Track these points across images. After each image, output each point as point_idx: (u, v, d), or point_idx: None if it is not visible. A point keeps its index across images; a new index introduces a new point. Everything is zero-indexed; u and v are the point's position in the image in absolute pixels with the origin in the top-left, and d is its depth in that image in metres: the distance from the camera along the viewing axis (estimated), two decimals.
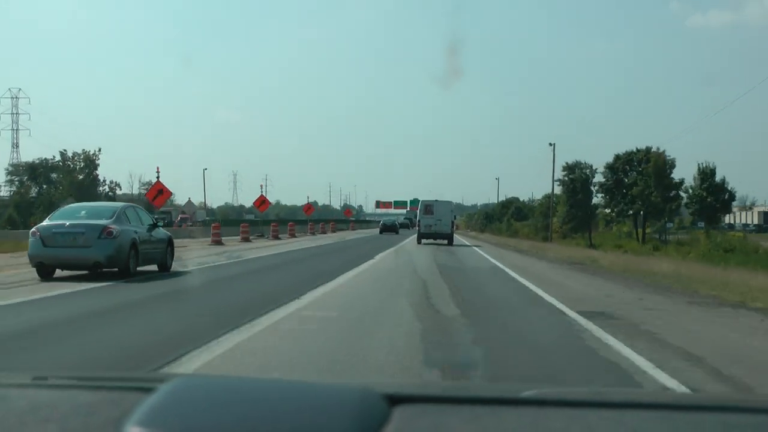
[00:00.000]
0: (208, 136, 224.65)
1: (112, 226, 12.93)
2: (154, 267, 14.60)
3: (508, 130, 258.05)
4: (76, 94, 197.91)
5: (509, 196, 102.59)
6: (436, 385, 3.16)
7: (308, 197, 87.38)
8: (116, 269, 13.08)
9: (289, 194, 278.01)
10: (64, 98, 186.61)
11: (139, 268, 13.72)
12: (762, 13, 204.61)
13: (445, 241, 34.45)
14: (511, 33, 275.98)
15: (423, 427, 1.03)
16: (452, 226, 36.04)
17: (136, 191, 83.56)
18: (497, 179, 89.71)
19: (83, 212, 13.53)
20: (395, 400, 1.08)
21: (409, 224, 76.27)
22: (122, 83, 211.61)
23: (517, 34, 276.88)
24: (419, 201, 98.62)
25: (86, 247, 12.61)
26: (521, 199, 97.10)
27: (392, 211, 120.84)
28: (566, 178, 59.16)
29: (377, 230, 57.59)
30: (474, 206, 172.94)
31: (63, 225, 12.85)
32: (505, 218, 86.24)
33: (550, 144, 56.17)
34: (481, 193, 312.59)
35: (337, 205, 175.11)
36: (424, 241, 34.88)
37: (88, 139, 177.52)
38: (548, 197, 69.50)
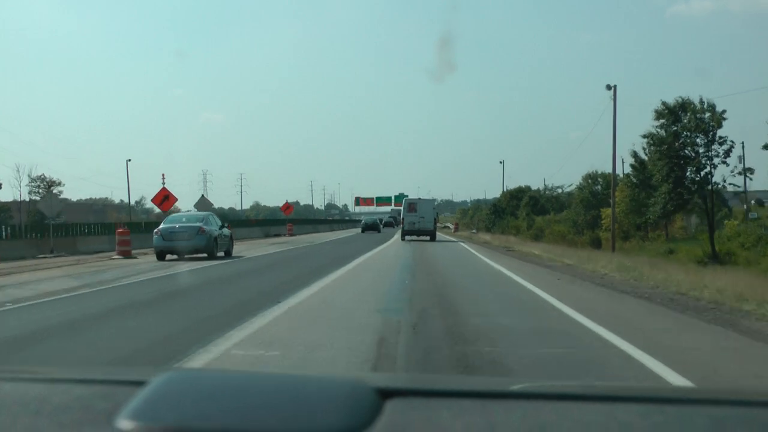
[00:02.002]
0: (193, 137, 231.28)
1: (204, 227, 21.66)
2: (221, 253, 23.05)
3: (502, 126, 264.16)
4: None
5: (509, 188, 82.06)
6: (427, 378, 3.06)
7: (163, 176, 69.77)
8: (206, 254, 21.62)
9: (273, 195, 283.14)
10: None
11: (217, 254, 22.28)
12: None
13: (428, 237, 38.16)
14: (498, 28, 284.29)
15: (414, 421, 1.05)
16: (435, 224, 39.46)
17: (25, 192, 67.11)
18: (501, 162, 73.84)
19: (184, 219, 22.35)
20: (387, 393, 1.11)
21: (393, 222, 75.20)
22: (109, 84, 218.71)
23: (507, 28, 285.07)
24: (406, 196, 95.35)
25: (189, 240, 21.32)
26: (533, 188, 76.86)
27: (375, 208, 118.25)
28: (662, 132, 34.93)
29: (345, 234, 53.94)
30: (464, 202, 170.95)
31: (174, 227, 21.57)
32: (521, 212, 66.99)
33: (609, 87, 35.54)
34: (473, 189, 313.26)
35: (320, 204, 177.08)
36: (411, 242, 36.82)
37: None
38: (592, 178, 52.06)
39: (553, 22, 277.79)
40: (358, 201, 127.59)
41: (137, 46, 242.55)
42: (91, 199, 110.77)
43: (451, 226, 77.62)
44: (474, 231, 66.95)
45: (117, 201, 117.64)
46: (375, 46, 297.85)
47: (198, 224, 21.94)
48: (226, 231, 23.88)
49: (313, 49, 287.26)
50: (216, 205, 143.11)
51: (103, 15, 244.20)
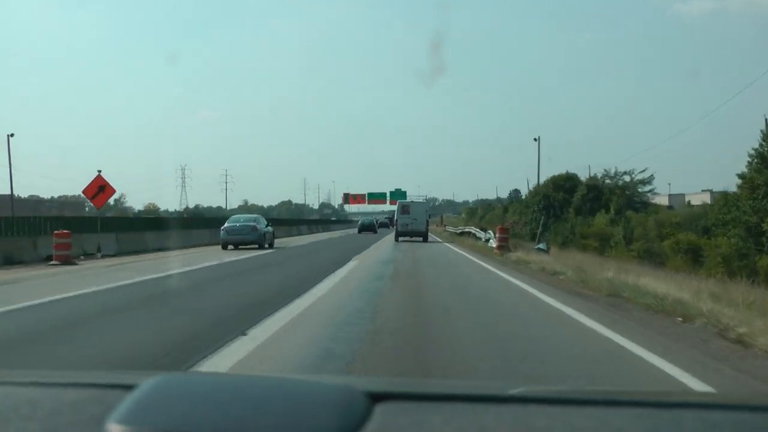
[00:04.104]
0: (185, 134, 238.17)
1: (256, 225, 31.08)
2: (266, 245, 32.01)
3: (503, 126, 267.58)
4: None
5: (509, 189, 74.50)
6: (418, 382, 3.25)
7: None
8: (257, 246, 30.66)
9: (267, 194, 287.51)
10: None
11: (264, 245, 31.30)
12: None
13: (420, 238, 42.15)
14: (490, 27, 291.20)
15: (404, 425, 1.09)
16: (427, 225, 43.44)
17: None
18: (536, 139, 55.20)
19: (242, 219, 31.70)
20: (377, 397, 1.16)
21: (388, 223, 77.95)
22: (99, 83, 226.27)
23: (499, 27, 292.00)
24: (403, 192, 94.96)
25: (246, 235, 30.72)
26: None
27: (367, 207, 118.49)
28: None
29: (306, 238, 48.44)
30: (466, 202, 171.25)
31: (236, 225, 31.00)
32: (580, 206, 48.34)
33: None
34: (476, 189, 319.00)
35: (314, 203, 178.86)
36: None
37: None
38: None
39: (553, 21, 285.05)
40: (347, 198, 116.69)
41: (131, 45, 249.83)
42: (64, 196, 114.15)
43: (484, 237, 37.30)
44: (542, 246, 32.57)
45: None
46: (373, 45, 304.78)
47: (252, 224, 31.29)
48: (269, 228, 32.99)
49: (311, 45, 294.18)
50: (201, 203, 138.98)
51: (99, 13, 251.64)
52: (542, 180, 56.94)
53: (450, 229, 66.63)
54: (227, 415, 1.05)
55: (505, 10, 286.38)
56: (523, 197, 59.87)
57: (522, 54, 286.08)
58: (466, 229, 51.05)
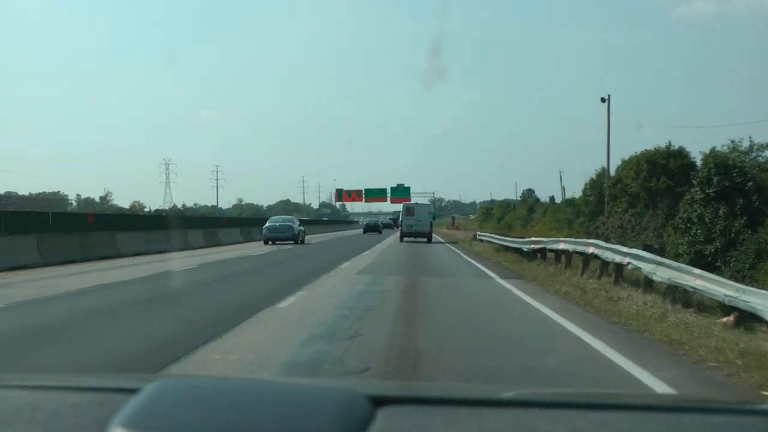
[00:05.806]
0: (182, 135, 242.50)
1: (292, 224, 38.94)
2: (300, 241, 38.82)
3: (507, 127, 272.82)
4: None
5: (515, 194, 72.97)
6: (420, 386, 3.32)
7: None
8: (293, 242, 37.45)
9: (266, 194, 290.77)
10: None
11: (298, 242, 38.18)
12: None
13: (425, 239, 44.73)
14: (494, 26, 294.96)
15: (407, 429, 1.12)
16: (431, 226, 46.20)
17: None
18: (604, 100, 37.43)
19: (280, 220, 39.62)
20: (379, 401, 1.19)
21: (392, 225, 79.05)
22: (96, 82, 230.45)
23: (500, 26, 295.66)
24: (405, 188, 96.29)
25: (284, 233, 39.01)
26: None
27: (369, 206, 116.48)
28: None
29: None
30: (473, 203, 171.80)
31: (275, 225, 39.14)
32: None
33: None
34: (485, 189, 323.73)
35: (315, 203, 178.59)
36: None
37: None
38: None
39: (554, 20, 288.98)
40: (341, 195, 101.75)
41: (129, 45, 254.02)
42: (42, 193, 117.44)
43: None
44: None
45: (72, 195, 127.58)
46: (376, 45, 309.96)
47: (289, 223, 38.89)
48: (302, 228, 40.73)
49: (312, 44, 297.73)
50: (189, 202, 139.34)
51: (95, 13, 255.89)
52: (614, 160, 41.57)
53: (487, 237, 39.35)
54: (230, 420, 1.08)
55: (509, 9, 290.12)
56: (573, 192, 46.63)
57: (526, 53, 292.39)
58: (561, 246, 20.74)
